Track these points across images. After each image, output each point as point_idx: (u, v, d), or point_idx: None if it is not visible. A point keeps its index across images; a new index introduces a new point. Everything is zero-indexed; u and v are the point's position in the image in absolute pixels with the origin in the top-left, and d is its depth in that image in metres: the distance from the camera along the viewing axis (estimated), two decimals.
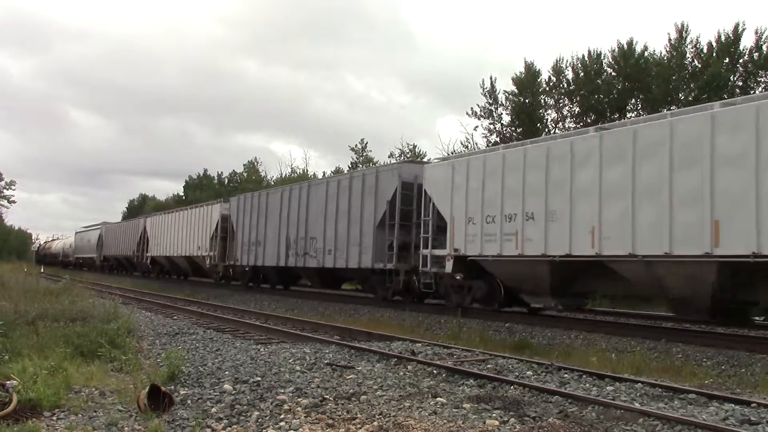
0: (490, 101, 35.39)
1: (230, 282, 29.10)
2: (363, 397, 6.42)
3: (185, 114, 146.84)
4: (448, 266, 15.64)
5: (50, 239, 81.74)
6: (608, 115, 30.59)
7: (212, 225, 29.18)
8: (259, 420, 5.58)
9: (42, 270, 42.20)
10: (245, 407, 5.98)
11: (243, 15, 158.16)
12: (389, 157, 44.05)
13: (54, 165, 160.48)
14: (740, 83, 27.81)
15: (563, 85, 33.42)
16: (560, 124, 33.59)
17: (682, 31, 29.76)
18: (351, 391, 6.67)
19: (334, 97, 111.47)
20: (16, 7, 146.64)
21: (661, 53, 30.64)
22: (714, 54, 28.27)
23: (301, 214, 22.11)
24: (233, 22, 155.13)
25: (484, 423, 5.51)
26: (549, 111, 34.68)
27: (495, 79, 35.65)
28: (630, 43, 31.19)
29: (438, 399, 6.36)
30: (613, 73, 31.78)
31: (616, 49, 31.48)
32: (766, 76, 27.78)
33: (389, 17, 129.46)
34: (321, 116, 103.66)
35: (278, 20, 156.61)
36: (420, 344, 10.26)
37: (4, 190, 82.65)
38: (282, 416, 5.66)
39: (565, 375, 7.93)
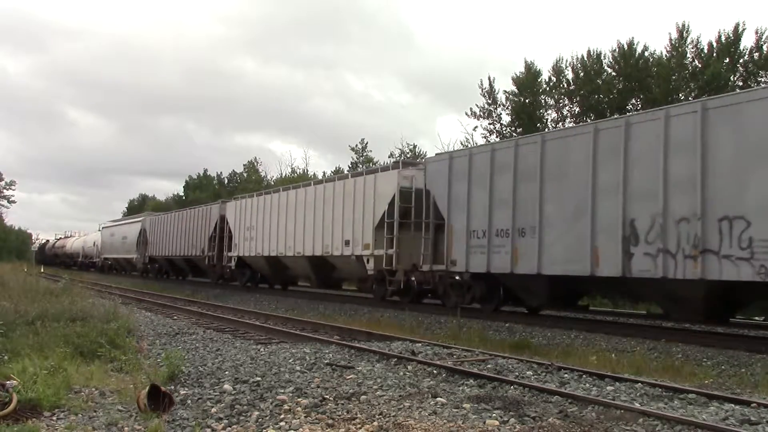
0: (489, 101, 35.42)
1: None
2: (363, 397, 6.42)
3: (184, 113, 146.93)
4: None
5: (63, 236, 72.03)
6: (608, 115, 30.59)
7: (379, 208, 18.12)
8: (259, 420, 5.58)
9: (42, 270, 42.10)
10: (245, 407, 5.98)
11: (242, 14, 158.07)
12: (389, 157, 44.09)
13: (53, 165, 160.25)
14: (740, 83, 27.81)
15: (563, 85, 33.42)
16: (560, 124, 33.59)
17: (682, 31, 29.77)
18: (351, 391, 6.67)
19: (333, 97, 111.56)
20: (13, 5, 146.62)
21: (661, 53, 30.67)
22: (714, 54, 28.28)
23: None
24: (232, 21, 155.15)
25: (484, 423, 5.51)
26: (549, 111, 34.72)
27: (494, 80, 35.68)
28: (630, 43, 31.21)
29: (438, 399, 6.36)
30: (613, 73, 31.78)
31: (616, 49, 31.50)
32: (766, 76, 27.79)
33: (389, 16, 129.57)
34: (320, 116, 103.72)
35: (277, 19, 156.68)
36: (420, 344, 10.26)
37: (4, 190, 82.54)
38: (282, 416, 5.66)
39: (565, 375, 7.93)
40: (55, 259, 66.15)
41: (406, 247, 17.18)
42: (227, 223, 27.74)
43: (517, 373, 8.00)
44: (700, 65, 28.90)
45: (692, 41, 29.73)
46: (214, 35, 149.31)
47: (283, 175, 53.75)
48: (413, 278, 17.09)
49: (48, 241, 77.07)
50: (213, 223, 28.93)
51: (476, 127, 44.87)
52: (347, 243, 19.43)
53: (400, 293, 18.01)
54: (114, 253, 45.40)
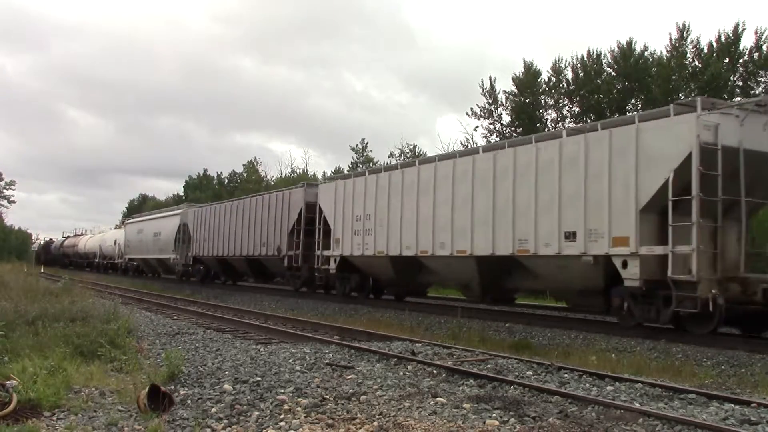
0: (490, 101, 35.44)
1: None
2: (363, 397, 6.42)
3: (183, 113, 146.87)
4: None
5: (73, 234, 65.45)
6: (608, 115, 30.61)
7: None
8: (259, 420, 5.58)
9: (42, 270, 41.80)
10: (245, 407, 5.98)
11: (240, 12, 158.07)
12: (389, 156, 44.12)
13: (52, 164, 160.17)
14: (740, 83, 27.84)
15: (563, 85, 33.46)
16: (560, 124, 33.61)
17: (683, 31, 29.81)
18: (351, 391, 6.67)
19: (332, 96, 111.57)
20: (12, 4, 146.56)
21: (661, 53, 30.70)
22: (714, 54, 28.31)
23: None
24: (230, 20, 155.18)
25: (484, 423, 5.51)
26: (549, 111, 34.75)
27: (494, 80, 35.73)
28: (630, 43, 31.26)
29: (438, 399, 6.36)
30: (613, 73, 31.80)
31: (616, 49, 31.54)
32: (766, 76, 27.82)
33: (388, 14, 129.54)
34: (320, 115, 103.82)
35: (275, 18, 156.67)
36: (420, 344, 10.26)
37: (4, 190, 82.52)
38: (282, 416, 5.66)
39: (565, 375, 7.93)
40: (63, 259, 60.94)
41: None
42: (321, 212, 21.07)
43: (517, 373, 8.00)
44: (700, 65, 28.93)
45: (692, 41, 29.78)
46: (213, 34, 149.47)
47: (283, 175, 53.80)
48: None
49: (52, 239, 71.89)
50: (295, 212, 22.59)
51: (477, 127, 44.90)
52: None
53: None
54: (142, 252, 38.13)
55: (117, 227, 56.22)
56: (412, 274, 17.94)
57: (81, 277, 31.93)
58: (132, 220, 43.17)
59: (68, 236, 66.08)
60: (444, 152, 23.32)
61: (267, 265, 25.63)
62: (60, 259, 61.79)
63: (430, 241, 16.16)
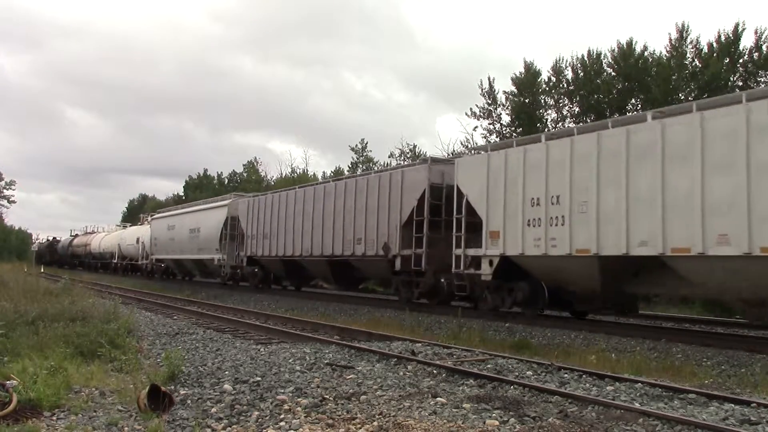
0: (489, 101, 35.43)
1: None
2: (363, 397, 6.42)
3: (183, 113, 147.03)
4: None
5: (83, 232, 59.67)
6: (608, 115, 30.60)
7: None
8: (259, 420, 5.59)
9: (42, 270, 41.58)
10: (245, 407, 5.98)
11: (239, 12, 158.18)
12: (389, 157, 44.08)
13: (52, 164, 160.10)
14: (740, 83, 27.82)
15: (563, 85, 33.43)
16: (560, 124, 33.59)
17: (682, 31, 29.79)
18: (351, 391, 6.68)
19: (332, 95, 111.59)
20: (10, 4, 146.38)
21: (661, 53, 30.68)
22: (714, 54, 28.28)
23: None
24: (229, 19, 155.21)
25: (484, 423, 5.51)
26: (549, 111, 34.72)
27: (494, 80, 35.68)
28: (630, 43, 31.21)
29: (438, 399, 6.36)
30: (613, 73, 31.79)
31: (616, 49, 31.50)
32: (766, 76, 27.81)
33: (388, 14, 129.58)
34: (319, 114, 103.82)
35: (274, 17, 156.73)
36: (420, 344, 10.26)
37: (4, 190, 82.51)
38: (282, 416, 5.66)
39: (565, 375, 7.93)
40: (72, 260, 56.08)
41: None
42: (465, 198, 15.39)
43: (517, 373, 8.00)
44: (700, 65, 28.92)
45: (692, 41, 29.76)
46: (212, 34, 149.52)
47: (283, 174, 53.77)
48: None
49: (56, 238, 66.85)
50: (413, 198, 17.04)
51: (476, 127, 44.88)
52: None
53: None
54: (175, 252, 32.08)
55: (119, 227, 53.45)
56: (635, 283, 12.63)
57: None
58: (161, 215, 36.33)
59: (76, 234, 60.67)
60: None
61: (360, 268, 20.29)
62: (68, 259, 57.41)
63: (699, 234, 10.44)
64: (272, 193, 25.42)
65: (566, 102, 33.92)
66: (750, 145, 9.90)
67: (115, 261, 43.91)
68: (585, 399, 6.42)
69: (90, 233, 56.68)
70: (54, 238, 67.10)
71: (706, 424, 5.48)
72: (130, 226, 50.29)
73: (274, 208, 23.81)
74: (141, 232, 39.98)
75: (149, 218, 39.60)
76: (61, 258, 59.41)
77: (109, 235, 48.77)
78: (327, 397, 6.37)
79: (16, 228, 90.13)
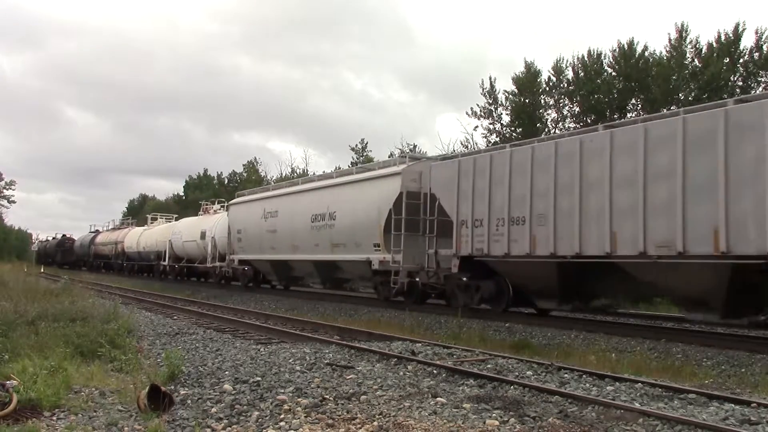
0: (490, 101, 35.43)
1: None
2: (363, 397, 6.42)
3: (182, 112, 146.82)
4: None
5: (109, 228, 50.90)
6: (608, 115, 30.62)
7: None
8: (259, 420, 5.58)
9: (42, 270, 41.46)
10: (245, 407, 5.98)
11: (237, 11, 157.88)
12: (389, 156, 44.07)
13: (51, 164, 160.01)
14: (740, 83, 27.83)
15: (563, 85, 33.45)
16: (560, 124, 33.63)
17: (682, 31, 29.81)
18: (351, 391, 6.67)
19: (331, 95, 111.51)
20: (9, 2, 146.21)
21: (661, 53, 30.70)
22: (714, 54, 28.30)
23: None
24: (227, 18, 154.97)
25: (484, 423, 5.51)
26: (549, 111, 34.74)
27: (494, 80, 35.72)
28: (630, 43, 31.25)
29: (438, 399, 6.36)
30: (613, 73, 31.80)
31: (616, 49, 31.54)
32: (766, 76, 27.82)
33: (387, 13, 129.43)
34: (319, 114, 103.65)
35: (273, 16, 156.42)
36: (420, 344, 10.26)
37: (4, 190, 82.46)
38: (282, 416, 5.66)
39: (565, 375, 7.93)
40: (95, 261, 48.05)
41: None
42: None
43: (517, 373, 8.00)
44: (699, 65, 28.93)
45: (692, 41, 29.78)
46: (210, 33, 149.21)
47: (283, 174, 53.78)
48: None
49: (68, 236, 58.58)
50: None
51: (476, 126, 44.84)
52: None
53: None
54: (278, 251, 22.64)
55: (118, 227, 48.54)
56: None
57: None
58: (249, 197, 25.77)
59: (97, 231, 52.33)
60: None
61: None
62: (90, 260, 49.10)
63: None
64: (489, 152, 15.69)
65: (566, 102, 33.94)
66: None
67: (165, 263, 33.11)
68: (585, 399, 6.42)
69: (119, 228, 47.42)
70: (64, 235, 59.47)
71: (706, 424, 5.48)
72: (132, 225, 46.44)
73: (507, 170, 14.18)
74: (207, 224, 29.32)
75: (217, 207, 30.92)
76: (79, 259, 52.14)
77: (151, 229, 38.59)
78: (327, 397, 6.37)
79: (16, 228, 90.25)
